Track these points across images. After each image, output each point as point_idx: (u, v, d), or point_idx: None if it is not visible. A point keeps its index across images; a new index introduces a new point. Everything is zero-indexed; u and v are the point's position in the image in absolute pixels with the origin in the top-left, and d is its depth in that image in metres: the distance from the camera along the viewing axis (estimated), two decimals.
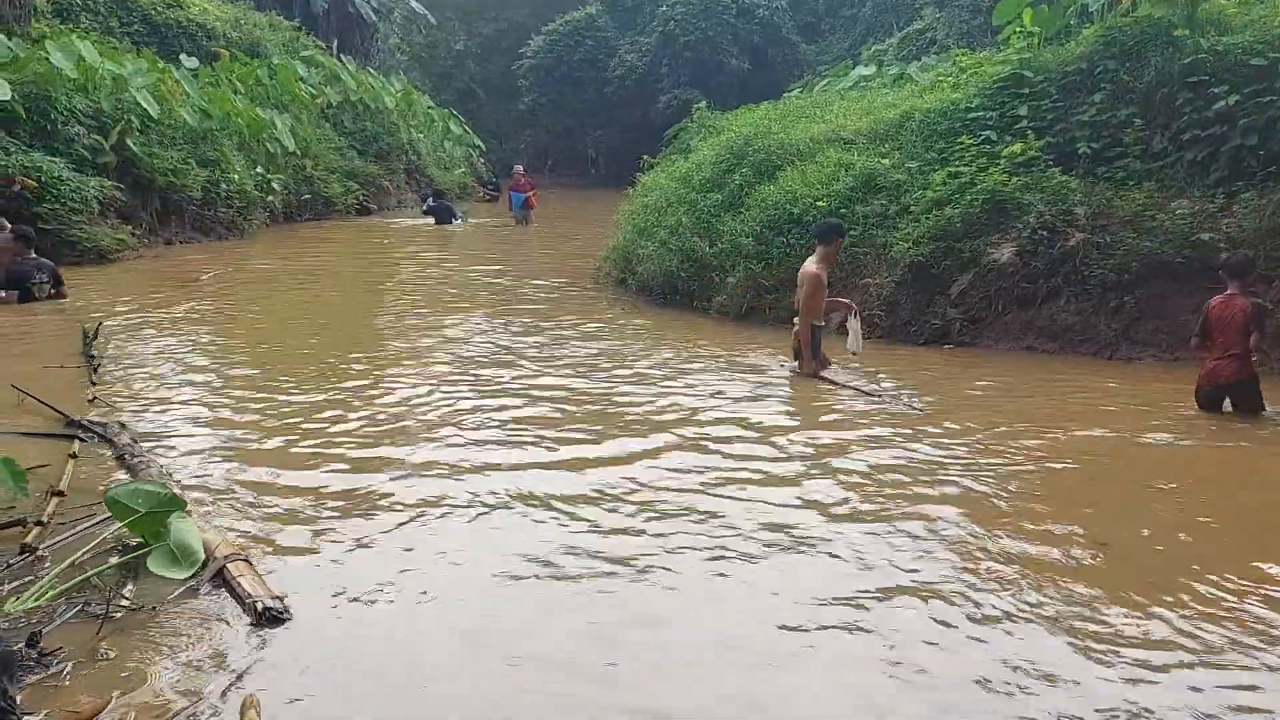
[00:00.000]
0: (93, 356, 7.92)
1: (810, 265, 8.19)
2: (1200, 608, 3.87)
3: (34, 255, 11.03)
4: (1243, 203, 8.73)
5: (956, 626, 3.71)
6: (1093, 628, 3.70)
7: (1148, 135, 9.72)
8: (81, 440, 5.72)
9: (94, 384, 7.08)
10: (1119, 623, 3.74)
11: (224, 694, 3.17)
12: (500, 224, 23.72)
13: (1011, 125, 10.49)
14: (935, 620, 3.76)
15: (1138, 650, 3.53)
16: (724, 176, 12.16)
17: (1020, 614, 3.80)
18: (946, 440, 6.15)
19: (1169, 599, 3.93)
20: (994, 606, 3.86)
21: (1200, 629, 3.69)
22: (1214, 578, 4.13)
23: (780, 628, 3.72)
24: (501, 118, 47.56)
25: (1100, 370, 8.33)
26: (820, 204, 10.54)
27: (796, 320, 8.19)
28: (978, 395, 7.58)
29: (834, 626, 3.73)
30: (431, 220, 22.83)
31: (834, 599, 3.94)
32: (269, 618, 3.64)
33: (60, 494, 4.79)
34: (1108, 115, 10.00)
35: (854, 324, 8.25)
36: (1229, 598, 3.96)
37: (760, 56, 38.86)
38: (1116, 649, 3.54)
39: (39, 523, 4.41)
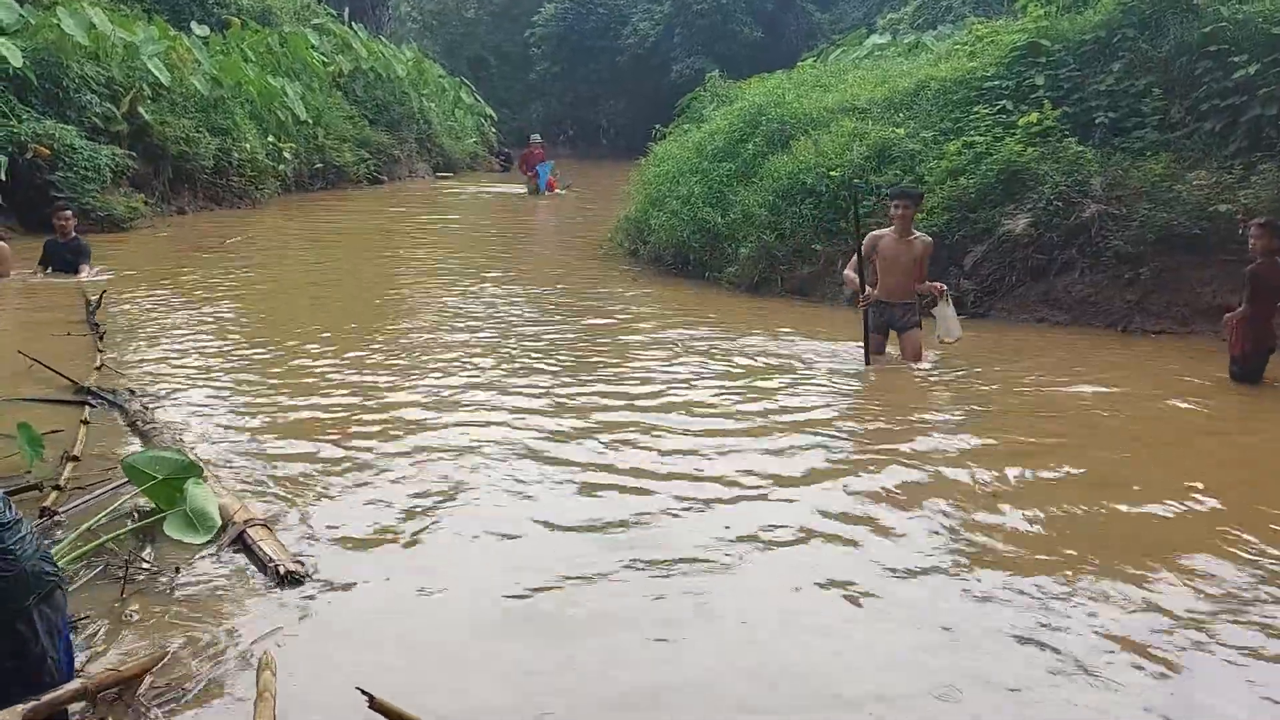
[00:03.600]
0: (97, 325, 7.95)
1: None
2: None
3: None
4: (1261, 174, 8.64)
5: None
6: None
7: (1166, 105, 9.62)
8: (92, 406, 5.76)
9: (100, 351, 7.11)
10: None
11: (246, 653, 3.21)
12: (512, 194, 23.64)
13: (1028, 95, 10.38)
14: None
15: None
16: (737, 146, 12.09)
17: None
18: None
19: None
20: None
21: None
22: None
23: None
24: (513, 87, 47.22)
25: (1113, 342, 8.31)
26: (833, 174, 10.48)
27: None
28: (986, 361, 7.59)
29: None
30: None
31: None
32: (290, 580, 3.69)
33: (75, 459, 4.83)
34: (1126, 85, 9.89)
35: (943, 308, 7.21)
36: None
37: (774, 25, 38.52)
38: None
39: (56, 487, 4.45)
